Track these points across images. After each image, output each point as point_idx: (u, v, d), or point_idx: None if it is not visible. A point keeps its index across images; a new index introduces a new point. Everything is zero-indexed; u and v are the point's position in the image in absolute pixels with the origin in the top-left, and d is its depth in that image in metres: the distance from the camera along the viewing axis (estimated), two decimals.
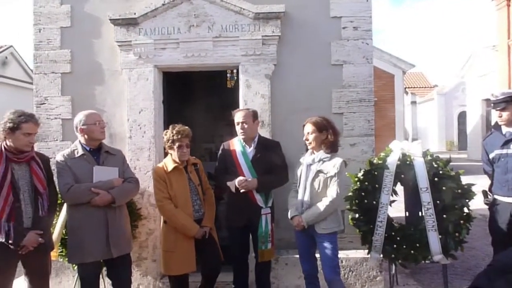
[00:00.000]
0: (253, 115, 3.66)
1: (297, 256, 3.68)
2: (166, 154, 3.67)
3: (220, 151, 3.82)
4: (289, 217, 3.44)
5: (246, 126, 3.58)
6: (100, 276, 3.42)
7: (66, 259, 3.45)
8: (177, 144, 3.44)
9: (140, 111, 4.34)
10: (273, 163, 3.63)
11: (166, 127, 3.78)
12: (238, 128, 3.61)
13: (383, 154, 3.73)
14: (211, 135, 7.57)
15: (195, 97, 6.67)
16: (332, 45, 4.31)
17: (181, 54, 4.26)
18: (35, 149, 4.31)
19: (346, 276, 4.10)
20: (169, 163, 3.51)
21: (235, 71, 6.42)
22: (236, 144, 3.69)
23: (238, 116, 3.62)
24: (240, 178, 3.51)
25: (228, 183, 3.56)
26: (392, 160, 3.61)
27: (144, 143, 4.34)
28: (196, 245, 3.46)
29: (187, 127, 3.55)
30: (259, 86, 4.26)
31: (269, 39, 4.23)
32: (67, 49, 4.44)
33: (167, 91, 4.67)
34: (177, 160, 3.48)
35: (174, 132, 3.45)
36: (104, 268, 3.51)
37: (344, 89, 4.31)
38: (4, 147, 2.89)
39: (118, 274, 3.25)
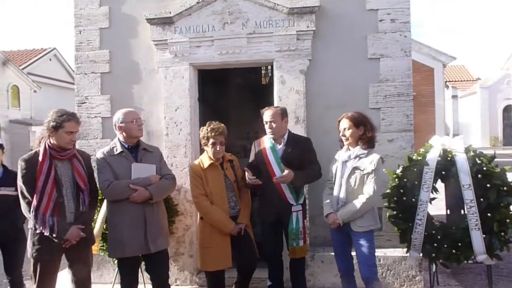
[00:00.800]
0: (282, 114, 3.62)
1: (333, 253, 3.62)
2: (202, 151, 3.71)
3: (252, 148, 3.82)
4: (324, 214, 3.39)
5: (274, 125, 3.55)
6: (139, 270, 3.50)
7: (107, 253, 3.57)
8: (211, 141, 3.46)
9: (177, 109, 4.40)
10: (304, 160, 3.59)
11: (202, 124, 3.82)
12: (266, 127, 3.60)
13: (423, 150, 3.61)
14: (246, 132, 7.59)
15: (230, 94, 6.70)
16: (369, 39, 4.20)
17: (216, 52, 4.29)
18: (77, 147, 4.51)
19: (384, 275, 4.01)
20: (205, 160, 3.54)
21: (269, 67, 6.44)
22: (266, 141, 3.67)
23: (266, 115, 3.60)
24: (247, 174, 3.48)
25: (247, 176, 3.50)
26: (433, 156, 3.49)
27: (181, 140, 4.40)
28: (232, 242, 3.48)
29: (222, 124, 3.56)
30: (293, 82, 4.22)
31: (304, 34, 4.18)
32: (106, 49, 4.56)
33: (203, 89, 4.72)
34: (212, 157, 3.51)
35: (209, 129, 3.48)
36: (143, 263, 3.60)
37: (382, 84, 4.20)
38: (48, 145, 3.01)
39: (156, 269, 3.31)
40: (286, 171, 3.42)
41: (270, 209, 3.56)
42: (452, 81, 28.96)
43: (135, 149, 3.37)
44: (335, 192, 3.33)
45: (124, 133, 3.32)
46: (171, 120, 4.42)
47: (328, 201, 3.39)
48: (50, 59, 19.58)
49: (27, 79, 16.31)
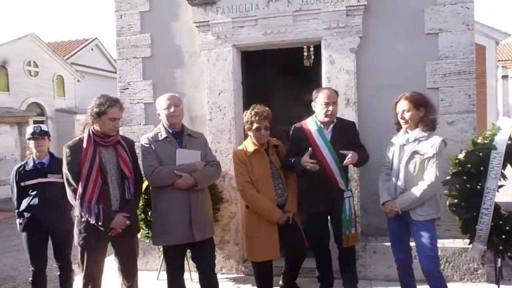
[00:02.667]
0: (338, 96, 3.40)
1: (387, 243, 3.41)
2: (247, 136, 3.54)
3: (291, 134, 3.57)
4: (380, 202, 3.16)
5: (334, 107, 3.30)
6: (185, 258, 3.41)
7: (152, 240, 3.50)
8: (255, 125, 3.29)
9: (220, 93, 4.26)
10: (352, 144, 3.35)
11: (246, 108, 3.65)
12: (322, 109, 3.31)
13: (489, 133, 3.28)
14: (288, 116, 7.40)
15: (272, 78, 6.50)
16: (426, 12, 3.86)
17: (260, 32, 4.08)
18: (120, 133, 4.47)
19: (442, 267, 3.74)
20: (249, 146, 3.37)
21: (312, 49, 6.16)
22: (312, 125, 3.42)
23: (325, 96, 3.30)
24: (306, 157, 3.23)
25: (305, 159, 3.23)
26: (501, 140, 3.16)
27: (225, 125, 4.27)
28: (279, 231, 3.32)
29: (267, 108, 3.37)
30: (343, 61, 3.95)
31: (354, 10, 3.89)
32: (147, 33, 4.47)
33: (247, 72, 4.54)
34: (256, 142, 3.34)
35: (253, 113, 3.30)
36: (189, 251, 3.51)
37: (440, 61, 3.86)
38: (92, 131, 2.94)
39: (202, 258, 3.21)
40: (350, 152, 3.20)
41: (321, 196, 3.35)
42: (503, 60, 27.27)
43: (180, 134, 3.26)
44: (392, 179, 3.08)
45: (163, 119, 3.22)
46: (214, 105, 4.28)
47: (385, 187, 3.15)
48: (92, 49, 20.02)
49: (71, 69, 16.75)
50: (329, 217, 3.47)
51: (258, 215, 3.31)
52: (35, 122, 14.02)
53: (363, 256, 3.90)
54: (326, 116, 3.31)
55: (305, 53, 6.42)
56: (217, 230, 4.20)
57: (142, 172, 3.21)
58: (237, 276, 4.26)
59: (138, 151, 3.31)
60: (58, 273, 3.84)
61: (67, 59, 17.23)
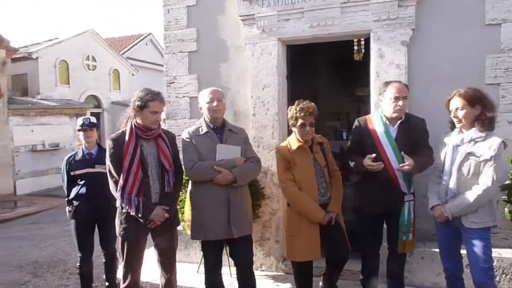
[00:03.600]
0: (408, 90, 3.19)
1: (435, 249, 3.19)
2: (290, 132, 3.45)
3: (354, 128, 3.40)
4: (429, 206, 2.95)
5: (403, 102, 3.08)
6: (225, 254, 3.40)
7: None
8: (300, 122, 3.18)
9: (264, 88, 4.19)
10: (419, 143, 3.13)
11: (290, 103, 3.55)
12: (391, 104, 3.09)
13: None
14: (336, 112, 7.21)
15: (319, 72, 6.34)
16: (487, 1, 3.54)
17: (306, 24, 3.95)
18: (166, 126, 4.54)
19: (497, 279, 3.46)
20: (293, 142, 3.28)
21: (362, 42, 5.93)
22: (376, 121, 3.22)
23: (395, 90, 3.09)
24: (370, 159, 3.06)
25: (367, 163, 3.07)
26: None
27: (268, 120, 4.19)
28: (321, 231, 3.20)
29: (312, 103, 3.25)
30: (393, 55, 3.73)
31: (406, 0, 3.66)
32: (193, 27, 4.48)
33: (292, 66, 4.44)
34: (300, 139, 3.23)
35: (298, 109, 3.19)
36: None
37: (503, 54, 3.54)
38: (134, 124, 2.98)
39: (240, 255, 3.18)
40: (407, 160, 2.99)
41: (380, 199, 3.14)
42: None
43: (221, 129, 3.23)
44: (443, 182, 2.87)
45: (205, 113, 3.20)
46: (258, 100, 4.22)
47: (435, 191, 2.94)
48: (146, 44, 20.67)
49: (126, 63, 17.39)
50: (385, 220, 3.30)
51: (300, 214, 3.21)
52: (92, 113, 14.72)
53: (409, 262, 3.69)
54: (394, 111, 3.09)
55: (355, 47, 6.22)
56: (258, 227, 4.16)
57: (183, 166, 3.22)
58: (276, 274, 4.19)
59: (180, 144, 3.32)
60: (104, 260, 3.97)
61: (122, 53, 17.91)
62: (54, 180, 11.79)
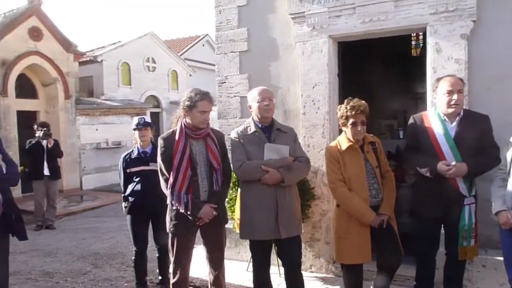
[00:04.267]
0: (463, 84, 3.01)
1: (499, 258, 2.97)
2: (341, 131, 3.36)
3: (408, 126, 3.24)
4: (493, 211, 2.74)
5: (459, 96, 2.89)
6: (274, 253, 3.38)
7: None
8: (350, 121, 3.08)
9: (314, 86, 4.12)
10: (481, 142, 2.92)
11: (341, 101, 3.46)
12: (445, 98, 2.92)
13: None
14: (392, 110, 6.94)
15: (373, 69, 6.13)
16: None
17: (358, 20, 3.83)
18: (217, 126, 4.61)
19: None
20: (343, 142, 3.19)
21: (421, 37, 5.66)
22: (433, 118, 3.04)
23: (448, 84, 2.92)
24: (442, 164, 2.89)
25: (422, 170, 2.97)
26: None
27: (318, 119, 4.12)
28: (372, 234, 3.09)
29: (363, 101, 3.14)
30: (452, 49, 3.51)
31: None
32: (244, 27, 4.50)
33: (343, 63, 4.32)
34: (351, 138, 3.14)
35: (348, 107, 3.09)
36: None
37: None
38: (184, 124, 3.05)
39: (287, 255, 3.14)
40: (454, 163, 2.82)
41: (437, 201, 2.99)
42: None
43: (269, 129, 3.21)
44: (509, 185, 2.65)
45: (254, 112, 3.20)
46: (308, 98, 4.15)
47: (499, 194, 2.73)
48: (203, 45, 21.16)
49: (184, 64, 17.91)
50: (442, 224, 3.13)
51: (350, 215, 3.12)
52: (151, 113, 15.34)
53: (469, 270, 3.46)
54: (449, 106, 2.91)
55: (413, 42, 5.95)
56: (308, 227, 4.10)
57: (231, 165, 3.25)
58: (326, 276, 4.11)
59: (228, 144, 3.36)
60: (157, 255, 4.12)
61: (180, 55, 18.46)
62: (116, 176, 12.29)
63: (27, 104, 11.19)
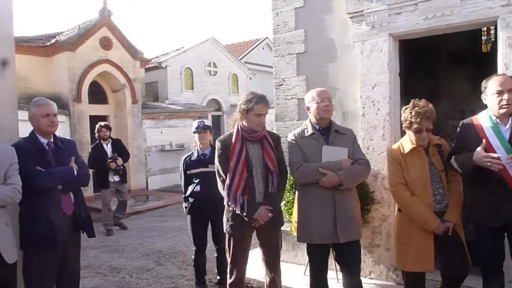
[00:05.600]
0: None
1: None
2: (403, 133, 3.22)
3: (458, 131, 3.01)
4: None
5: (510, 96, 2.65)
6: (332, 258, 3.32)
7: None
8: (415, 127, 2.92)
9: (374, 86, 3.99)
10: None
11: (403, 103, 3.32)
12: (495, 99, 2.71)
13: None
14: (460, 110, 6.53)
15: (439, 67, 5.82)
16: None
17: (420, 17, 3.65)
18: (275, 128, 4.61)
19: None
20: (406, 144, 3.05)
21: (492, 31, 5.27)
22: (484, 120, 2.81)
23: (497, 84, 2.70)
24: (481, 149, 2.65)
25: (481, 155, 2.65)
26: None
27: (378, 121, 3.98)
28: (436, 242, 2.93)
29: (430, 106, 2.95)
30: None
31: None
32: (301, 29, 4.47)
33: (406, 62, 4.15)
34: (415, 143, 3.00)
35: (413, 113, 2.91)
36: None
37: None
38: (241, 126, 3.09)
39: (346, 261, 3.07)
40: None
41: (496, 208, 2.74)
42: None
43: (327, 131, 3.16)
44: None
45: (312, 114, 3.16)
46: (367, 99, 4.03)
47: None
48: (263, 48, 21.34)
49: (244, 67, 18.19)
50: (506, 233, 2.88)
51: (412, 221, 2.99)
52: (213, 116, 15.75)
53: None
54: (501, 107, 2.68)
55: (484, 37, 5.57)
56: (367, 232, 3.98)
57: (288, 168, 3.24)
58: (386, 283, 3.96)
59: (285, 146, 3.35)
60: (216, 255, 4.21)
61: (241, 58, 18.77)
62: (179, 177, 12.89)
63: (99, 109, 11.96)
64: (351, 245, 3.04)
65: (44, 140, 2.97)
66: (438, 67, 6.28)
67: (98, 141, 7.38)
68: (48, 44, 11.15)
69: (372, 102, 4.00)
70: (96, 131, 7.42)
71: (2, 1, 3.29)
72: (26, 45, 10.64)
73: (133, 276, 4.96)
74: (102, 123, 7.48)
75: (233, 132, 3.14)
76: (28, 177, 2.75)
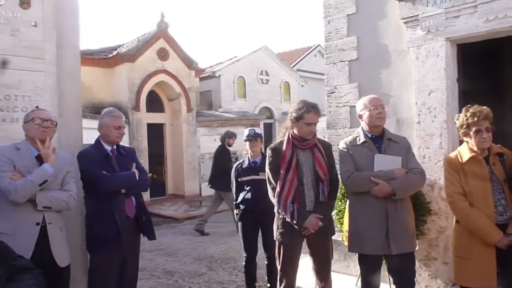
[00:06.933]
0: None
1: None
2: (461, 142, 3.08)
3: None
4: None
5: None
6: (385, 269, 3.22)
7: None
8: (473, 128, 2.80)
9: (430, 93, 3.85)
10: None
11: (461, 109, 3.18)
12: None
13: None
14: None
15: (503, 71, 5.49)
16: None
17: (480, 19, 3.48)
18: (326, 136, 4.58)
19: None
20: (464, 152, 2.91)
21: None
22: None
23: None
24: None
25: None
26: None
27: (435, 128, 3.83)
28: (498, 256, 2.76)
29: (484, 107, 2.84)
30: None
31: None
32: (354, 35, 4.43)
33: (465, 67, 3.97)
34: (474, 148, 2.85)
35: (468, 114, 2.81)
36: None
37: None
38: (291, 135, 3.11)
39: (399, 273, 2.97)
40: None
41: None
42: None
43: (380, 139, 3.10)
44: None
45: (365, 122, 3.11)
46: (423, 106, 3.90)
47: None
48: (315, 55, 21.23)
49: (296, 75, 18.20)
50: None
51: (471, 233, 2.83)
52: (265, 124, 15.87)
53: None
54: None
55: None
56: (423, 245, 3.82)
57: (339, 176, 3.20)
58: None
59: (337, 154, 3.31)
60: (266, 262, 4.22)
61: (293, 66, 18.80)
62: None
63: (156, 117, 12.47)
64: (405, 257, 2.95)
65: (108, 147, 3.16)
66: (502, 72, 5.93)
67: (223, 144, 7.97)
68: (110, 56, 11.84)
69: (428, 109, 3.86)
70: (225, 138, 8.03)
71: (70, 19, 3.56)
72: (91, 58, 11.37)
73: (186, 280, 5.10)
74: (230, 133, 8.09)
75: (284, 140, 3.16)
76: (96, 181, 2.94)
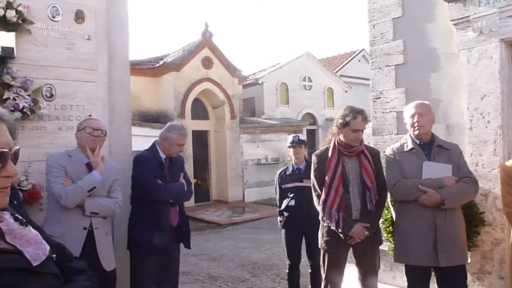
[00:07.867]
0: None
1: None
2: None
3: None
4: None
5: None
6: (434, 282, 3.09)
7: None
8: None
9: (483, 97, 3.67)
10: None
11: None
12: None
13: None
14: None
15: None
16: None
17: None
18: (372, 143, 4.47)
19: None
20: None
21: None
22: None
23: None
24: None
25: None
26: None
27: (488, 134, 3.64)
28: None
29: None
30: None
31: None
32: (400, 39, 4.30)
33: None
34: None
35: None
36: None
37: None
38: (337, 141, 3.05)
39: (449, 287, 2.83)
40: None
41: None
42: None
43: (429, 145, 2.99)
44: None
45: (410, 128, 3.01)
46: (475, 111, 3.72)
47: None
48: (359, 60, 20.91)
49: (339, 80, 17.99)
50: None
51: None
52: (307, 130, 15.76)
53: None
54: None
55: None
56: (476, 257, 3.63)
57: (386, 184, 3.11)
58: None
59: (384, 161, 3.23)
60: (310, 270, 4.17)
61: (336, 72, 18.60)
62: (274, 190, 13.10)
63: (200, 124, 12.73)
64: (456, 270, 2.81)
65: (163, 155, 3.28)
66: None
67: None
68: (156, 65, 12.25)
69: (481, 114, 3.68)
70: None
71: (120, 33, 3.72)
72: (139, 68, 11.82)
73: (229, 286, 5.13)
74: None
75: (329, 146, 3.12)
76: (151, 189, 3.07)
